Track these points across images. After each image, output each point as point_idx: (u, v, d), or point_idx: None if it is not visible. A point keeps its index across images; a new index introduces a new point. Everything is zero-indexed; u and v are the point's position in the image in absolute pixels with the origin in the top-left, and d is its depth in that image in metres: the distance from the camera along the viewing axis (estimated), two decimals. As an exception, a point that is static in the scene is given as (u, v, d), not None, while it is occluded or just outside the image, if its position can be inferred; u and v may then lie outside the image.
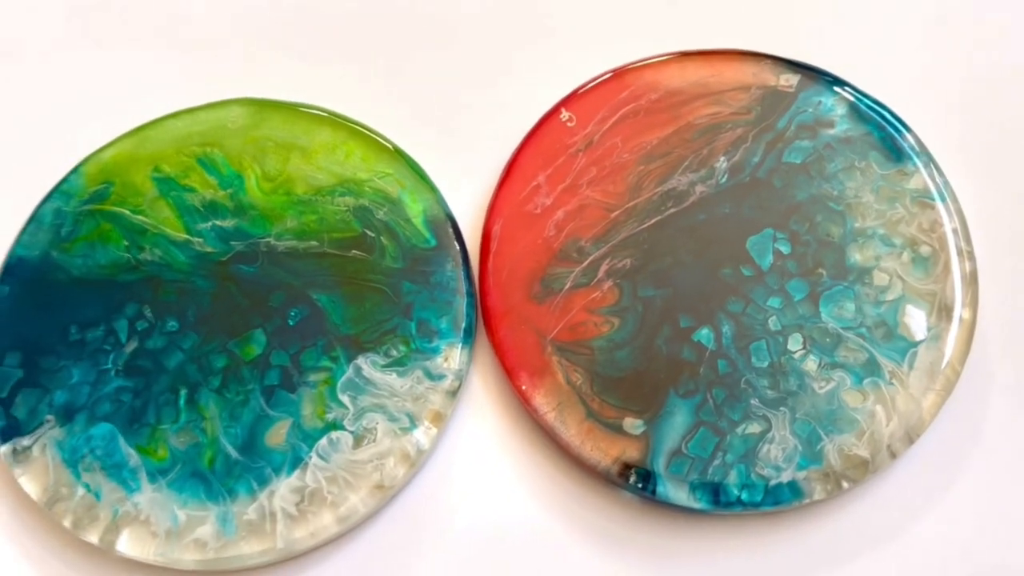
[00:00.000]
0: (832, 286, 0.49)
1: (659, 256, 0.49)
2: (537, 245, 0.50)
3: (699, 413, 0.46)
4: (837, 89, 0.52)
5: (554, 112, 0.53)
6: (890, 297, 0.48)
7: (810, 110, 0.52)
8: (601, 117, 0.52)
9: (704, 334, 0.48)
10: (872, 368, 0.47)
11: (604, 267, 0.49)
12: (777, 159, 0.51)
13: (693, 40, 0.55)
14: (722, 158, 0.51)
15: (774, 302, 0.48)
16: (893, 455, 0.45)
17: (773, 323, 0.48)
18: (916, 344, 0.47)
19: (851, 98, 0.52)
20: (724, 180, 0.51)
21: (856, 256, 0.49)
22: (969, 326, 0.47)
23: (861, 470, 0.45)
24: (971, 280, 0.48)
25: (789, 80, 0.53)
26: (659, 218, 0.50)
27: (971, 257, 0.48)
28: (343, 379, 0.47)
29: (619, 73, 0.53)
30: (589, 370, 0.47)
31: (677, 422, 0.46)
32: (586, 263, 0.50)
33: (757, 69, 0.53)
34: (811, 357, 0.47)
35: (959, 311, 0.47)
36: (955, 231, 0.49)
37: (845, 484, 0.45)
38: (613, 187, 0.51)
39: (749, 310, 0.48)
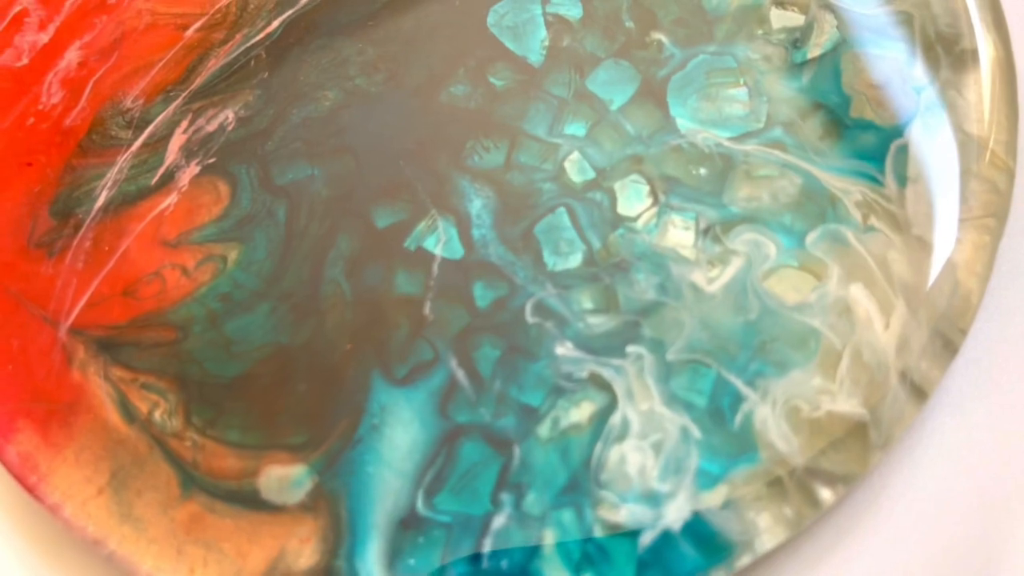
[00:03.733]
0: (686, 59, 0.23)
1: (303, 91, 0.23)
2: (29, 131, 0.23)
3: (445, 410, 0.20)
4: None
5: None
6: (816, 48, 0.22)
7: None
8: None
9: (426, 231, 0.21)
10: (817, 203, 0.21)
11: (178, 140, 0.23)
12: None
13: None
14: None
15: (573, 126, 0.22)
16: (919, 392, 0.19)
17: (576, 169, 0.22)
18: (898, 131, 0.21)
19: None
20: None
21: (722, -13, 0.23)
22: (1002, 67, 0.22)
23: (855, 449, 0.19)
24: (977, -26, 0.23)
25: None
26: (290, 14, 0.24)
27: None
28: None
29: None
30: (178, 379, 0.21)
31: (398, 442, 0.20)
32: (139, 141, 0.23)
33: None
34: (674, 217, 0.21)
35: (977, 42, 0.22)
36: None
37: (824, 493, 0.18)
38: (191, -17, 0.25)
39: (519, 156, 0.22)
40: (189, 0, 0.24)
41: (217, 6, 0.24)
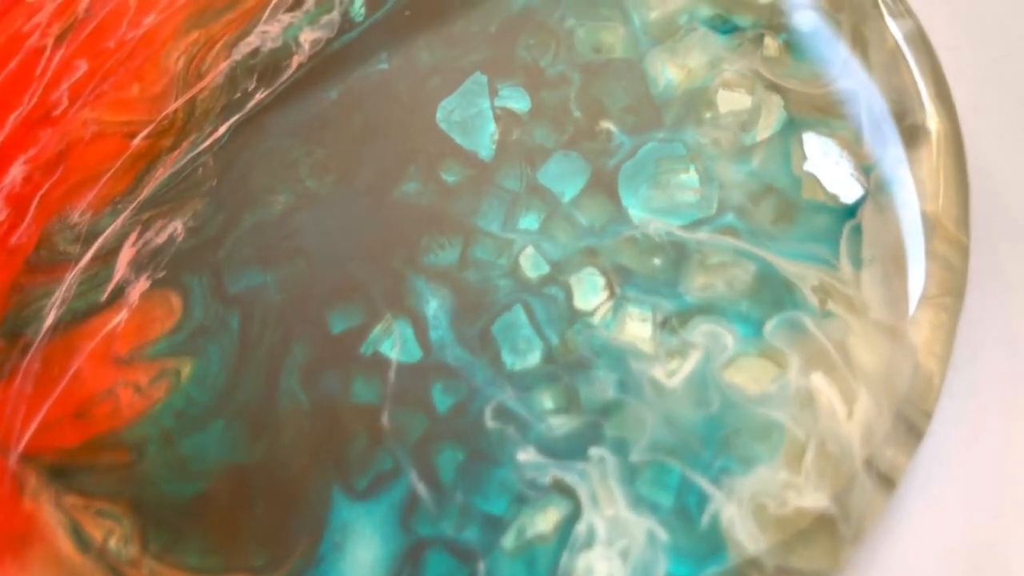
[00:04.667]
0: (636, 147, 0.23)
1: (253, 196, 0.23)
2: (-25, 252, 0.23)
3: (408, 523, 0.19)
4: None
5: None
6: (765, 130, 0.23)
7: None
8: (91, -36, 0.26)
9: (382, 335, 0.21)
10: (773, 289, 0.21)
11: (127, 254, 0.23)
12: (463, -56, 0.26)
13: None
14: (352, -28, 0.26)
15: (526, 220, 0.22)
16: (887, 480, 0.19)
17: (531, 264, 0.22)
18: (851, 212, 0.21)
19: None
20: (361, 11, 0.25)
21: (668, 72, 0.23)
22: (950, 141, 0.22)
23: (825, 544, 0.18)
24: (922, 48, 0.23)
25: None
26: (238, 118, 0.24)
27: (907, 11, 0.23)
28: None
29: None
30: (134, 503, 0.20)
31: (360, 560, 0.19)
32: (88, 256, 0.23)
33: None
34: (631, 310, 0.21)
35: (924, 117, 0.22)
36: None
37: (797, 593, 0.18)
38: (136, 87, 0.25)
39: (474, 252, 0.22)
40: (135, 107, 0.24)
41: (164, 112, 0.24)
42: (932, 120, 0.22)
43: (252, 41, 0.24)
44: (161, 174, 0.23)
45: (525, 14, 0.25)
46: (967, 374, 0.21)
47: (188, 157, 0.23)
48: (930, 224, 0.21)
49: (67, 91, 0.24)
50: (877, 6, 0.23)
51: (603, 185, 0.22)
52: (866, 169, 0.22)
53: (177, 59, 0.25)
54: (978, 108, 0.24)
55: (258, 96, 0.24)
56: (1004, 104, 0.24)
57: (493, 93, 0.24)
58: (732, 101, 0.23)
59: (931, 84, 0.23)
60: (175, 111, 0.24)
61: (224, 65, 0.24)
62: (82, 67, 0.25)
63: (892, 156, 0.22)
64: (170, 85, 0.25)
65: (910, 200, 0.21)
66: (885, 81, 0.22)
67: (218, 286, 0.22)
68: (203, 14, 0.25)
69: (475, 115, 0.23)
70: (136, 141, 0.24)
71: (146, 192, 0.23)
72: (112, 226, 0.23)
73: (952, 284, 0.21)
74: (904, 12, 0.23)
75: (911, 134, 0.22)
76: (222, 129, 0.24)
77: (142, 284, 0.22)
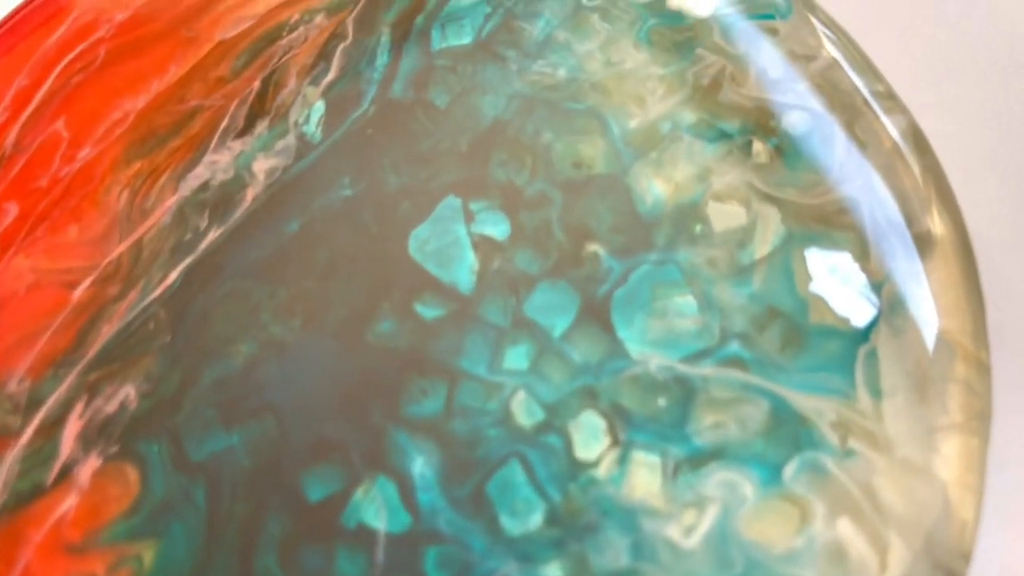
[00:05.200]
0: (627, 272, 0.21)
1: (212, 348, 0.21)
2: (-100, 433, 0.21)
3: None
4: None
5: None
6: (763, 247, 0.21)
7: (462, -60, 0.25)
8: (16, 93, 0.24)
9: (364, 500, 0.19)
10: (789, 427, 0.19)
11: (74, 427, 0.20)
12: (424, 51, 0.24)
13: None
14: (306, 87, 0.24)
15: (513, 357, 0.20)
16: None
17: (524, 410, 0.20)
18: (864, 335, 0.20)
19: None
20: (318, 131, 0.23)
21: (654, 187, 0.22)
22: (958, 247, 0.21)
23: None
24: (920, 147, 0.22)
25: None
26: (190, 260, 0.22)
27: (896, 106, 0.22)
28: None
29: (50, -1, 0.25)
30: None
31: None
32: (30, 429, 0.20)
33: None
34: (637, 458, 0.19)
35: (931, 223, 0.21)
36: (849, 61, 0.22)
37: None
38: (74, 229, 0.22)
39: (460, 398, 0.20)
40: (75, 253, 0.22)
41: (108, 258, 0.22)
42: (938, 226, 0.21)
43: (200, 173, 0.22)
44: (108, 330, 0.21)
45: (497, 128, 0.23)
46: (1002, 502, 0.20)
47: (137, 309, 0.21)
48: (949, 345, 0.20)
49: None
50: (869, 104, 0.22)
51: (595, 316, 0.21)
52: (875, 286, 0.20)
53: (119, 194, 0.23)
54: (977, 202, 0.23)
55: (211, 235, 0.22)
56: (1005, 196, 0.23)
57: (469, 218, 0.22)
58: (725, 216, 0.22)
59: (933, 186, 0.21)
60: (120, 255, 0.22)
61: (172, 201, 0.22)
62: (12, 210, 0.22)
63: (902, 269, 0.20)
64: (112, 225, 0.22)
65: (925, 318, 0.20)
66: (886, 185, 0.21)
67: (179, 454, 0.20)
68: (145, 142, 0.23)
69: (451, 244, 0.22)
70: (78, 292, 0.22)
71: (92, 351, 0.21)
72: (55, 393, 0.21)
73: (978, 407, 0.19)
74: (897, 108, 0.22)
75: (919, 243, 0.21)
76: (173, 274, 0.22)
77: (93, 462, 0.20)
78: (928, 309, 0.20)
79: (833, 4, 0.24)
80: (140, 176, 0.23)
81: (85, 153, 0.23)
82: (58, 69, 0.24)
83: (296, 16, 0.24)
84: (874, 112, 0.22)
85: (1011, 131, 0.24)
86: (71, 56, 0.24)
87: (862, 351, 0.20)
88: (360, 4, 0.24)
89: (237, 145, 0.23)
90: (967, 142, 0.23)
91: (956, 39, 0.24)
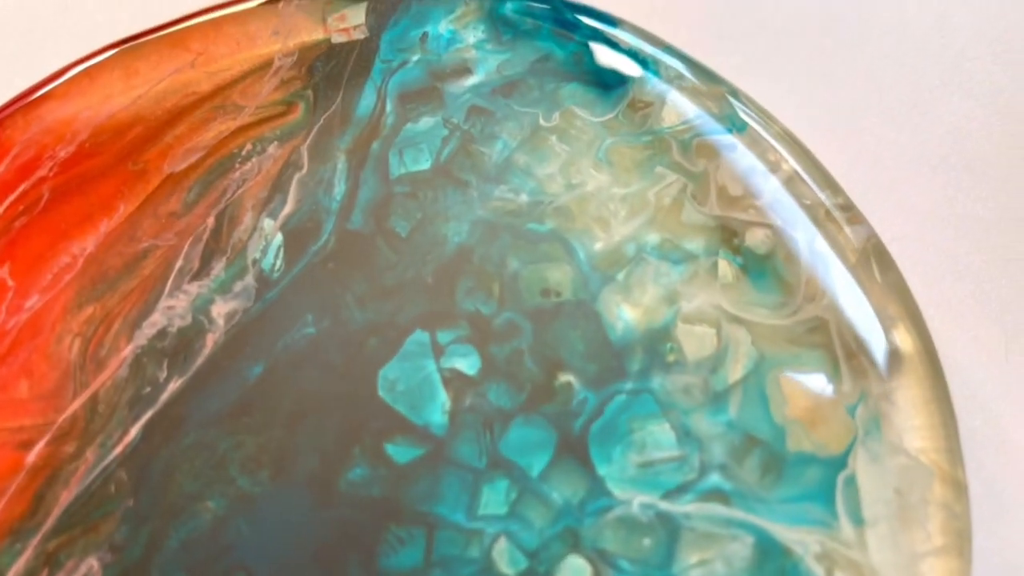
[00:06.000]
0: (602, 404, 0.21)
1: (178, 506, 0.20)
2: None
3: None
4: (439, -10, 0.26)
5: None
6: (736, 371, 0.21)
7: (412, 60, 0.25)
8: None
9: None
10: (776, 562, 0.19)
11: (34, 606, 0.19)
12: (382, 180, 0.24)
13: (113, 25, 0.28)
14: (264, 220, 0.23)
15: (491, 501, 0.20)
16: None
17: (506, 559, 0.20)
18: (841, 461, 0.20)
19: (487, 2, 0.26)
20: (277, 267, 0.23)
21: (623, 313, 0.22)
22: (926, 362, 0.21)
23: None
24: (882, 259, 0.22)
25: (347, 18, 0.26)
26: (151, 414, 0.21)
27: (856, 217, 0.23)
28: None
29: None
30: None
31: None
32: (-15, 616, 0.19)
33: (279, 21, 0.26)
34: (625, 606, 0.19)
35: (897, 338, 0.21)
36: (808, 173, 0.23)
37: None
38: (24, 385, 0.22)
39: (439, 548, 0.20)
40: (26, 410, 0.21)
41: (63, 416, 0.21)
42: (906, 342, 0.21)
43: (157, 320, 0.22)
44: (66, 496, 0.20)
45: (461, 256, 0.23)
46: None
47: (96, 470, 0.20)
48: (925, 467, 0.20)
49: (-58, 401, 0.21)
50: (831, 216, 0.22)
51: (573, 452, 0.21)
52: (850, 409, 0.20)
53: (71, 344, 0.22)
54: (939, 306, 0.23)
55: (171, 386, 0.21)
56: (963, 299, 0.23)
57: (438, 352, 0.22)
58: (696, 340, 0.22)
59: (899, 300, 0.22)
60: (74, 412, 0.21)
61: (127, 350, 0.22)
62: (-41, 369, 0.22)
63: (874, 390, 0.21)
64: (65, 378, 0.22)
65: (899, 440, 0.20)
66: (853, 303, 0.22)
67: (146, 625, 0.19)
68: (95, 286, 0.23)
69: (422, 382, 0.21)
70: (32, 454, 0.21)
71: (50, 519, 0.20)
72: (14, 565, 0.20)
73: (957, 527, 0.20)
74: (857, 219, 0.22)
75: (889, 361, 0.21)
76: (133, 430, 0.21)
77: (55, 644, 0.19)
78: (903, 429, 0.20)
79: (779, 113, 0.25)
80: (92, 323, 0.22)
81: (33, 302, 0.22)
82: None
83: (248, 146, 0.24)
84: (837, 225, 0.22)
85: (966, 231, 0.24)
86: (12, 197, 0.23)
87: (841, 477, 0.20)
88: (313, 131, 0.24)
89: (193, 288, 0.22)
90: (925, 245, 0.24)
91: (905, 141, 0.24)
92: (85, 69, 0.25)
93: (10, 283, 0.23)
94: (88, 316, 0.22)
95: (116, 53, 0.25)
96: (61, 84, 0.25)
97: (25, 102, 0.25)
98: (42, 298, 0.22)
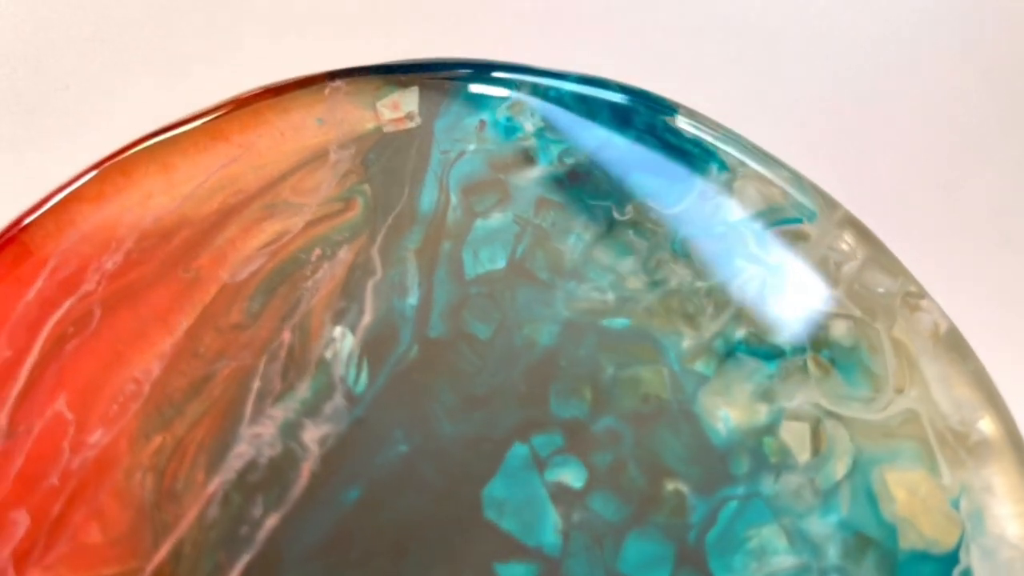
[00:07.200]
0: (714, 511, 0.21)
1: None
2: None
3: None
4: (502, 79, 0.25)
5: None
6: (840, 470, 0.21)
7: (470, 150, 0.25)
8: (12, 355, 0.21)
9: None
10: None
11: None
12: (457, 282, 0.23)
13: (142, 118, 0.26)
14: (342, 331, 0.22)
15: (612, 617, 0.20)
16: None
17: None
18: (954, 557, 0.21)
19: (536, 84, 0.25)
20: (362, 382, 0.22)
21: (725, 415, 0.22)
22: (1013, 446, 0.22)
23: None
24: (960, 350, 0.23)
25: (400, 104, 0.25)
26: (250, 558, 0.20)
27: (935, 306, 0.23)
28: None
29: (13, 239, 0.23)
30: None
31: None
32: None
33: (324, 107, 0.25)
34: None
35: (985, 426, 0.22)
36: (881, 261, 0.23)
37: None
38: (95, 529, 0.20)
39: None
40: (103, 556, 0.20)
41: (151, 564, 0.19)
42: (991, 427, 0.22)
43: (244, 451, 0.20)
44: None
45: (549, 359, 0.22)
46: None
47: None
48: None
49: (9, 557, 0.19)
50: (907, 302, 0.23)
51: (693, 564, 0.20)
52: (954, 503, 0.21)
53: (142, 479, 0.20)
54: (1014, 393, 0.24)
55: (268, 523, 0.20)
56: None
57: (541, 466, 0.21)
58: (798, 439, 0.22)
59: (979, 385, 0.22)
60: (160, 563, 0.20)
61: (215, 485, 0.20)
62: (22, 521, 0.20)
63: (974, 483, 0.21)
64: (140, 518, 0.20)
65: (1002, 531, 0.21)
66: (938, 392, 0.22)
67: None
68: (161, 412, 0.21)
69: (529, 501, 0.21)
70: (115, 609, 0.19)
71: None
72: None
73: (1062, 614, 0.20)
74: (934, 308, 0.23)
75: (980, 452, 0.22)
76: (233, 575, 0.20)
77: None
78: (1001, 518, 0.21)
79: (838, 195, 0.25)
80: (163, 454, 0.21)
81: (97, 437, 0.20)
82: (44, 332, 0.21)
83: (317, 251, 0.23)
84: (914, 313, 0.23)
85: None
86: (57, 316, 0.21)
87: (956, 572, 0.21)
88: (382, 232, 0.23)
89: (279, 412, 0.21)
90: (991, 328, 0.24)
91: (961, 216, 0.25)
92: (117, 164, 0.24)
93: (69, 416, 0.21)
94: (157, 446, 0.21)
95: (150, 146, 0.24)
96: (91, 182, 0.23)
97: (51, 203, 0.23)
98: (108, 432, 0.21)
